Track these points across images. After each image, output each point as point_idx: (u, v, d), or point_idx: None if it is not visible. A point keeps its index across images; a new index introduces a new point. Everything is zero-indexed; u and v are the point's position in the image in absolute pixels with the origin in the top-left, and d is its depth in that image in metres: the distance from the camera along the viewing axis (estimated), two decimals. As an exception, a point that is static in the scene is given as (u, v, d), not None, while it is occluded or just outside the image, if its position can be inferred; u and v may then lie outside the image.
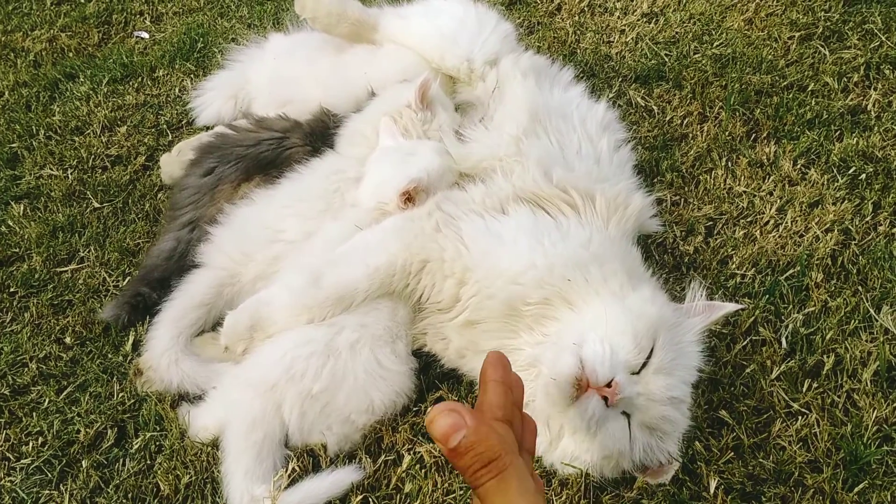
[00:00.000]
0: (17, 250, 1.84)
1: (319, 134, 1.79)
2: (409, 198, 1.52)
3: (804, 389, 1.39)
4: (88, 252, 1.82)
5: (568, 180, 1.51)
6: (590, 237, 1.41)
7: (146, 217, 1.92)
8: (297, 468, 1.29)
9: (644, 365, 1.19)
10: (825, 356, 1.44)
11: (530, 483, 0.84)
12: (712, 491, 1.24)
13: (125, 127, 2.26)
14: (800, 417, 1.35)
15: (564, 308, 1.29)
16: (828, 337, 1.47)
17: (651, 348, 1.20)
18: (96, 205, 1.98)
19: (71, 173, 2.09)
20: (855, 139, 1.93)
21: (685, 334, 1.28)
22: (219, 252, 1.58)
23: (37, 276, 1.76)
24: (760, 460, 1.29)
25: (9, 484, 1.34)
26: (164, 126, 2.26)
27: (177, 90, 2.42)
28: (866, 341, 1.47)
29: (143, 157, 2.13)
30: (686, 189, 1.87)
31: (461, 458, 0.82)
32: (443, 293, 1.42)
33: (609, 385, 1.13)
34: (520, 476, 0.84)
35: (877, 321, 1.50)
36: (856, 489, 1.23)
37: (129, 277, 1.73)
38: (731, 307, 1.34)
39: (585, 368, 1.14)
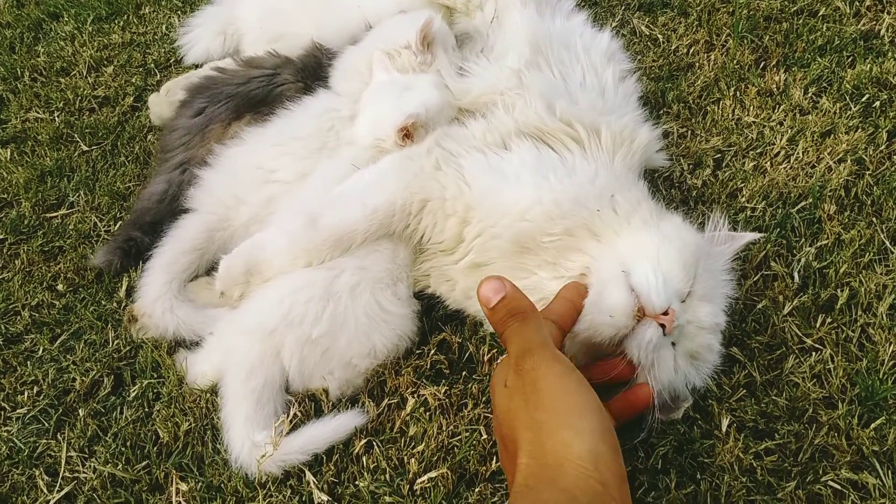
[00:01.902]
0: (5, 196, 1.80)
1: (311, 70, 1.72)
2: (407, 134, 1.46)
3: (817, 324, 1.35)
4: (78, 196, 1.77)
5: (572, 113, 1.45)
6: (596, 172, 1.36)
7: (136, 159, 1.87)
8: (298, 413, 1.26)
9: (689, 293, 1.16)
10: (839, 290, 1.40)
11: (546, 331, 1.02)
12: (724, 429, 1.21)
13: (112, 67, 2.20)
14: (813, 353, 1.32)
15: (590, 239, 1.25)
16: (841, 270, 1.43)
17: (694, 275, 1.16)
18: (84, 148, 1.92)
19: (58, 116, 2.03)
20: (868, 65, 1.86)
21: (716, 262, 1.25)
22: (208, 196, 1.53)
23: (26, 222, 1.71)
24: (773, 397, 1.26)
25: (5, 434, 1.32)
26: (152, 65, 2.19)
27: (164, 28, 2.34)
28: (881, 274, 1.42)
29: (132, 98, 2.07)
30: (693, 121, 1.81)
31: (496, 313, 1.01)
32: (445, 233, 1.37)
33: (666, 313, 1.10)
34: (539, 324, 1.01)
35: (892, 253, 1.46)
36: (872, 425, 1.20)
37: (120, 222, 1.68)
38: (752, 236, 1.32)
39: (641, 297, 1.11)
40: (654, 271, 1.14)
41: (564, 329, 1.09)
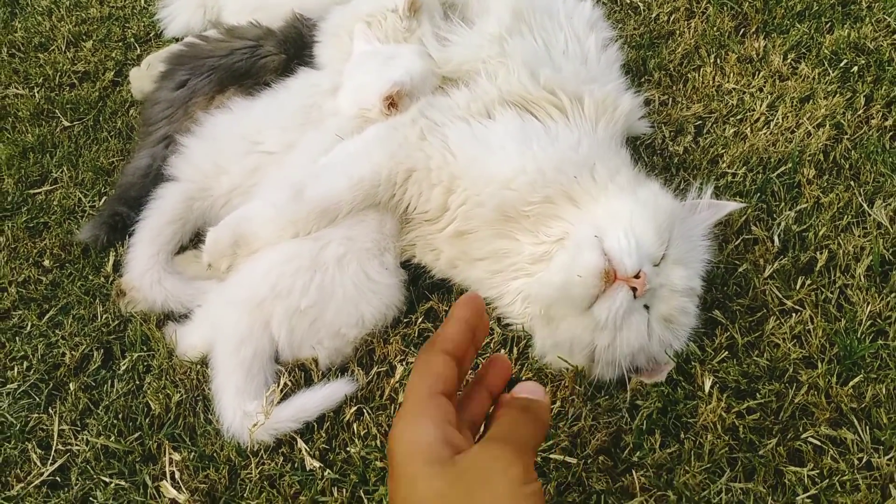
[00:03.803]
0: (-12, 173, 1.79)
1: (293, 41, 1.72)
2: (392, 103, 1.46)
3: (797, 287, 1.38)
4: (61, 172, 1.76)
5: (555, 81, 1.46)
6: (579, 140, 1.37)
7: (119, 134, 1.86)
8: (288, 383, 1.28)
9: (662, 257, 1.18)
10: (818, 252, 1.42)
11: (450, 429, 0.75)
12: (707, 390, 1.23)
13: (91, 42, 2.18)
14: (793, 315, 1.34)
15: (569, 206, 1.27)
16: (820, 233, 1.45)
17: (668, 240, 1.18)
18: (66, 123, 1.91)
19: (38, 91, 2.02)
20: (846, 30, 1.88)
21: (694, 228, 1.27)
22: (188, 164, 1.53)
23: (10, 199, 1.71)
24: (754, 358, 1.28)
25: (-4, 409, 1.33)
26: (132, 39, 2.18)
27: (142, 1, 2.31)
28: (859, 236, 1.45)
29: (112, 73, 2.05)
30: (674, 88, 1.82)
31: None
32: (430, 202, 1.38)
33: (637, 276, 1.11)
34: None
35: (869, 216, 1.48)
36: (850, 383, 1.23)
37: (105, 197, 1.68)
38: (734, 205, 1.33)
39: (612, 260, 1.12)
40: (626, 235, 1.15)
41: (462, 363, 0.82)
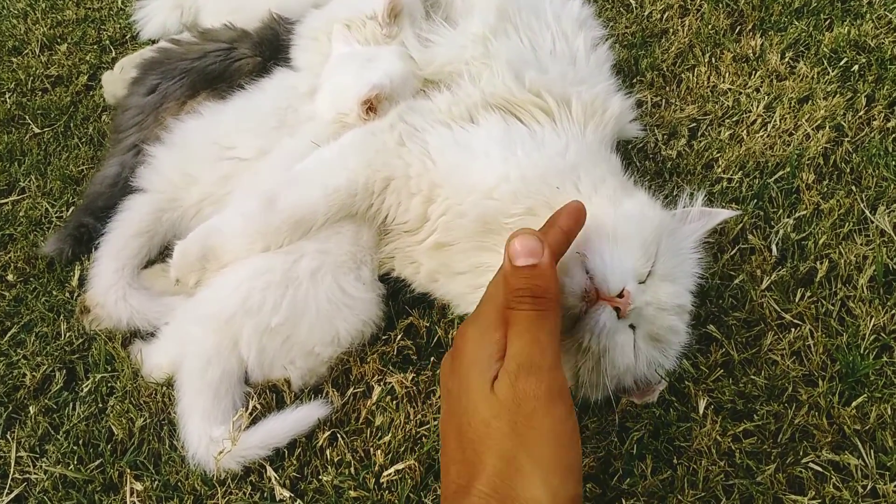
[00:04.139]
0: (-48, 183, 1.72)
1: (269, 43, 1.64)
2: (371, 107, 1.39)
3: (796, 299, 1.31)
4: (29, 181, 1.69)
5: (542, 83, 1.38)
6: (566, 145, 1.30)
7: (90, 141, 1.79)
8: (258, 406, 1.21)
9: (649, 273, 1.10)
10: (818, 262, 1.35)
11: (558, 344, 0.88)
12: (701, 411, 1.17)
13: (66, 45, 2.11)
14: (792, 329, 1.27)
15: None
16: (820, 242, 1.38)
17: (654, 255, 1.10)
18: (36, 130, 1.84)
19: (9, 97, 1.95)
20: (846, 28, 1.81)
21: (683, 241, 1.18)
22: (156, 174, 1.45)
23: (-26, 210, 1.64)
24: (752, 376, 1.21)
25: (-48, 435, 1.26)
26: (107, 42, 2.11)
27: (119, 2, 2.25)
28: (861, 245, 1.38)
29: (86, 77, 1.98)
30: (667, 89, 1.75)
31: (518, 278, 0.86)
32: (409, 213, 1.31)
33: (621, 295, 1.04)
34: (555, 327, 0.88)
35: (872, 223, 1.41)
36: (853, 403, 1.16)
37: (73, 207, 1.61)
38: (726, 213, 1.24)
39: (595, 279, 1.04)
40: (609, 252, 1.07)
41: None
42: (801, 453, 1.12)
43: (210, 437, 1.16)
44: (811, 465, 1.11)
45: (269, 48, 1.64)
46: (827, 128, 1.58)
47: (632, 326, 1.10)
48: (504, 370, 0.85)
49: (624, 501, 1.09)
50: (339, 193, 1.29)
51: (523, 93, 1.38)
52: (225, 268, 1.30)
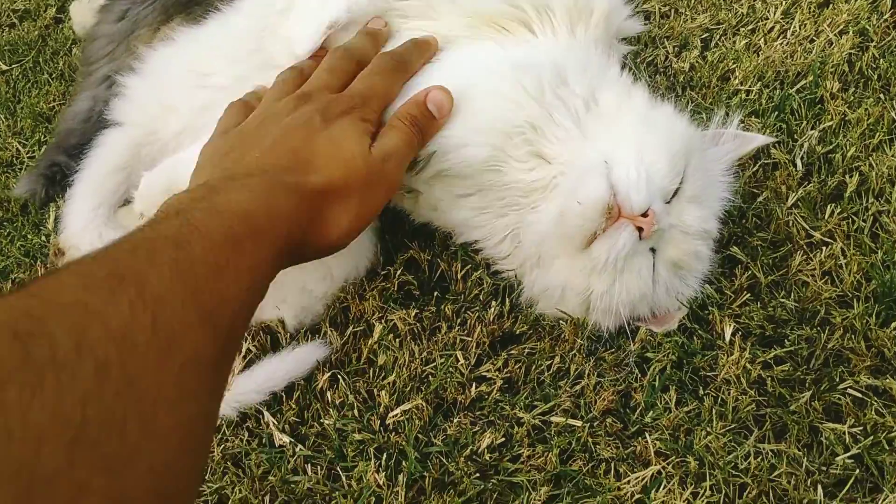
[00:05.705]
0: (-83, 125, 1.61)
1: (247, -40, 1.52)
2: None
3: (825, 216, 1.22)
4: (-2, 121, 1.59)
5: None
6: (555, 58, 1.16)
7: (60, 76, 1.68)
8: (252, 349, 1.13)
9: (675, 192, 1.00)
10: (847, 176, 1.26)
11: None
12: (728, 338, 1.08)
13: (31, -25, 1.97)
14: (823, 248, 1.18)
15: (573, 132, 1.08)
16: (849, 154, 1.28)
17: (682, 172, 1.01)
18: (4, 67, 1.73)
19: (-27, 34, 1.83)
20: (868, -77, 1.68)
21: (714, 163, 1.09)
22: (131, 106, 1.34)
23: (-60, 153, 1.53)
24: (780, 300, 1.13)
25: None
26: (76, -31, 1.97)
27: (87, -74, 2.10)
28: (893, 156, 1.28)
29: (54, 9, 1.87)
30: (676, -3, 1.63)
31: (417, 107, 1.01)
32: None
33: (645, 215, 0.95)
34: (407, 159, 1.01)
35: (903, 132, 1.32)
36: (892, 324, 1.07)
37: (45, 146, 1.51)
38: (763, 139, 1.15)
39: (618, 195, 0.94)
40: (636, 166, 0.97)
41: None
42: (836, 379, 1.04)
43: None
44: (849, 390, 1.03)
45: (246, -34, 1.51)
46: (850, 33, 1.46)
47: (652, 250, 1.01)
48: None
49: (648, 436, 1.02)
50: None
51: (499, 4, 1.23)
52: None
